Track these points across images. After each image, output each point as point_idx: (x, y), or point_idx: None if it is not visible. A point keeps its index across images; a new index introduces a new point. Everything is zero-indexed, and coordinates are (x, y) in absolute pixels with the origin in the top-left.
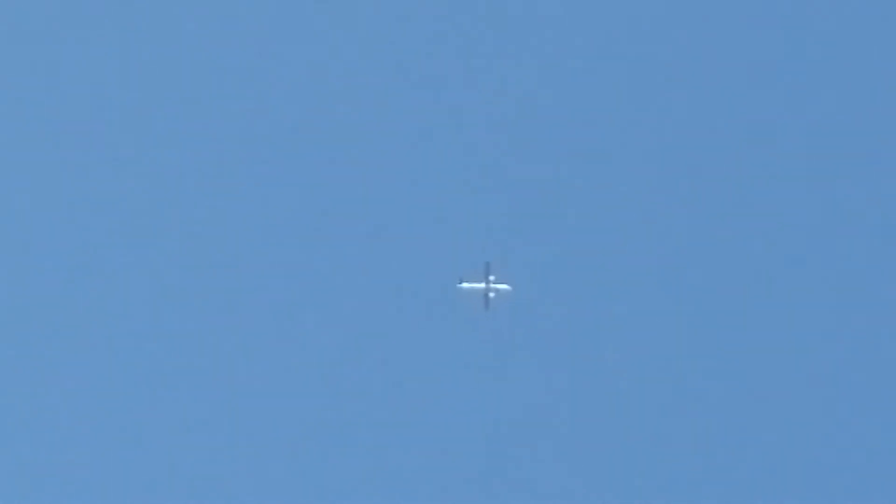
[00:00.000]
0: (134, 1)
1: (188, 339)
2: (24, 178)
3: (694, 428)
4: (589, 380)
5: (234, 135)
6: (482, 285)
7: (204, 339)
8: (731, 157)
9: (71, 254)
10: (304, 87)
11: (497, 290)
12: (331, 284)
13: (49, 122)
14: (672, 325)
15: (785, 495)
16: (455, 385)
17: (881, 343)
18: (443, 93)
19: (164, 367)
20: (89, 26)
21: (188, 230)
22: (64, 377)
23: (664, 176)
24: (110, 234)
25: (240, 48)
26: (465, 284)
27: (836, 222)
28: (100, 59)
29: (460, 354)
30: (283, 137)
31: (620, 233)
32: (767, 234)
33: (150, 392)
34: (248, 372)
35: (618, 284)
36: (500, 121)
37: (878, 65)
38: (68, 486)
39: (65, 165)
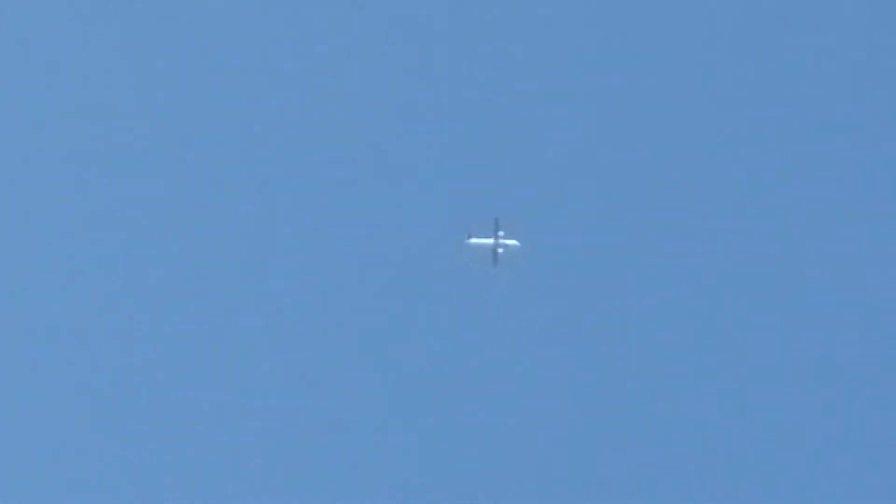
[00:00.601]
0: (135, 1)
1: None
2: (24, 179)
3: (699, 383)
4: (596, 335)
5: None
6: (491, 241)
7: (211, 304)
8: (734, 120)
9: (71, 254)
10: (309, 54)
11: (506, 246)
12: (341, 241)
13: (49, 122)
14: (679, 280)
15: (785, 495)
16: (463, 339)
17: (881, 343)
18: (455, 56)
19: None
20: (90, 27)
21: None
22: (64, 377)
23: (670, 137)
24: (110, 235)
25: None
26: (473, 240)
27: (836, 222)
28: (100, 59)
29: (469, 309)
30: (289, 99)
31: (627, 190)
32: (770, 200)
33: (149, 390)
34: (256, 328)
35: (625, 240)
36: (510, 80)
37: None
38: (68, 486)
39: (65, 165)
